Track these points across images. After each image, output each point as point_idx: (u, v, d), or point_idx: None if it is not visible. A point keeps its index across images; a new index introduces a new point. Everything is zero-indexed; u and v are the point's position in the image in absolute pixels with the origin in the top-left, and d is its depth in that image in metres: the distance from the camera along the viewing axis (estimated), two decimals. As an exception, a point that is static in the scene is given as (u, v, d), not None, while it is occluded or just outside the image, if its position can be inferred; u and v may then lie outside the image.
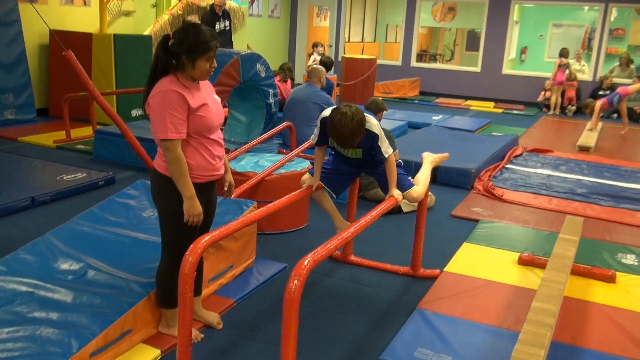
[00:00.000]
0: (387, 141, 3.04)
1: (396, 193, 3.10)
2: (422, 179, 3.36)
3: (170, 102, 2.37)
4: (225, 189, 2.81)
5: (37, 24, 6.80)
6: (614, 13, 11.86)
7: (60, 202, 4.59)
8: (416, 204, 3.53)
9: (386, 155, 3.04)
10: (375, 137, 2.99)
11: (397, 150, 4.86)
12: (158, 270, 2.66)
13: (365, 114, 2.93)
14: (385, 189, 3.17)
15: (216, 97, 2.63)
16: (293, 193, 3.03)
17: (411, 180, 3.26)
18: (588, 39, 14.08)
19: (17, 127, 7.08)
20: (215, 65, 2.51)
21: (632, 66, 11.54)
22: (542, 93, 11.66)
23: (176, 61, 2.43)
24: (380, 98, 6.10)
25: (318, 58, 9.73)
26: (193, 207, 2.47)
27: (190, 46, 2.40)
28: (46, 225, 3.65)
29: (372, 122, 2.98)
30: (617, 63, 11.71)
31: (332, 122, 2.82)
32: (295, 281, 2.01)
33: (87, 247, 3.06)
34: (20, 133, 6.79)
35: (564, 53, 10.92)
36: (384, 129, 5.02)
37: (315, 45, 10.48)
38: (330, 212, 3.34)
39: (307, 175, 3.25)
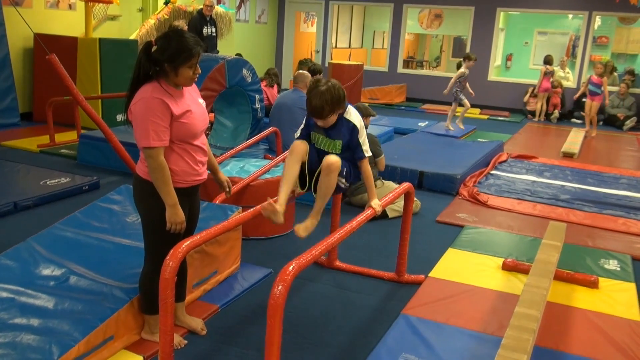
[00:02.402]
0: (367, 141, 2.92)
1: (375, 203, 3.00)
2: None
3: (153, 109, 2.35)
4: (226, 189, 2.82)
5: (21, 28, 6.75)
6: (597, 21, 12.02)
7: (44, 207, 4.55)
8: (402, 210, 3.52)
9: (365, 155, 2.88)
10: (354, 128, 2.83)
11: (383, 156, 4.89)
12: (141, 276, 2.64)
13: (349, 106, 2.87)
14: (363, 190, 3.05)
15: (201, 100, 2.61)
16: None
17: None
18: (572, 46, 14.23)
19: (0, 132, 6.99)
20: (199, 71, 2.49)
21: (615, 74, 11.68)
22: (527, 94, 11.85)
23: (159, 68, 2.40)
24: (367, 104, 6.12)
25: (466, 72, 8.46)
26: (175, 215, 2.45)
27: (172, 54, 2.37)
28: (29, 230, 3.61)
29: (352, 113, 2.86)
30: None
31: (310, 88, 2.75)
32: (280, 287, 2.00)
33: (70, 253, 3.03)
34: (3, 137, 6.72)
35: (548, 60, 11.02)
36: (370, 135, 5.04)
37: (468, 58, 8.52)
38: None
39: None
